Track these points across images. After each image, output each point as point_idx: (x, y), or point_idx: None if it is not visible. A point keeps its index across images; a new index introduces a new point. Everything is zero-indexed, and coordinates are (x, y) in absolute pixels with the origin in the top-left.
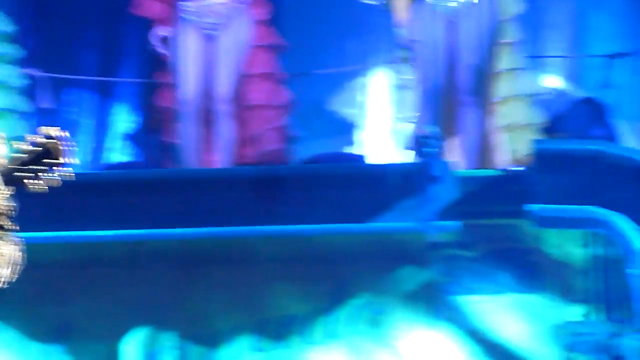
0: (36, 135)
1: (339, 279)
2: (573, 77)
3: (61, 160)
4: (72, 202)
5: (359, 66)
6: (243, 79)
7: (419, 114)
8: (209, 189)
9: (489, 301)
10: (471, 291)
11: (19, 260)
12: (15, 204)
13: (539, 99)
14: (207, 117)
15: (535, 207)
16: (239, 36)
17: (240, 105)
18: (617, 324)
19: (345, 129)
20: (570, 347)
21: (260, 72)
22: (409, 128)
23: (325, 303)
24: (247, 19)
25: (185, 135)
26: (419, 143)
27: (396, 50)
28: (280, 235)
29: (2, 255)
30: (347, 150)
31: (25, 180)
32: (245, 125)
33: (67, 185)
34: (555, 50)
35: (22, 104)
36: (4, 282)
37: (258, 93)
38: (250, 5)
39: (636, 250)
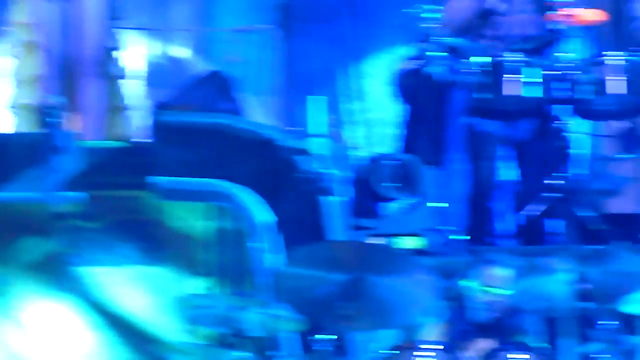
0: None
1: None
2: (200, 50)
3: None
4: None
5: None
6: None
7: (42, 83)
8: None
9: (112, 273)
10: (95, 263)
11: None
12: None
13: (162, 73)
14: None
15: (159, 180)
16: None
17: None
18: (239, 298)
19: None
20: (193, 320)
21: None
22: (32, 97)
23: None
24: None
25: None
26: (42, 112)
27: (18, 19)
28: None
29: None
30: None
31: None
32: None
33: None
34: (182, 23)
35: None
36: None
37: None
38: None
39: (259, 224)
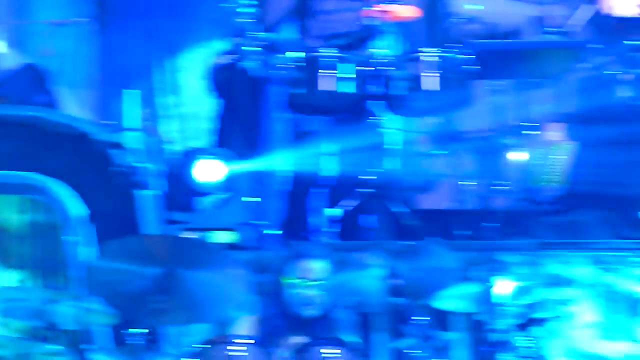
0: None
1: None
2: (15, 42)
3: None
4: None
5: None
6: None
7: None
8: None
9: None
10: None
11: None
12: None
13: None
14: None
15: None
16: None
17: None
18: (52, 291)
19: None
20: (5, 313)
21: None
22: None
23: None
24: None
25: None
26: None
27: None
28: None
29: None
30: None
31: None
32: None
33: None
34: None
35: None
36: None
37: None
38: None
39: (72, 217)
